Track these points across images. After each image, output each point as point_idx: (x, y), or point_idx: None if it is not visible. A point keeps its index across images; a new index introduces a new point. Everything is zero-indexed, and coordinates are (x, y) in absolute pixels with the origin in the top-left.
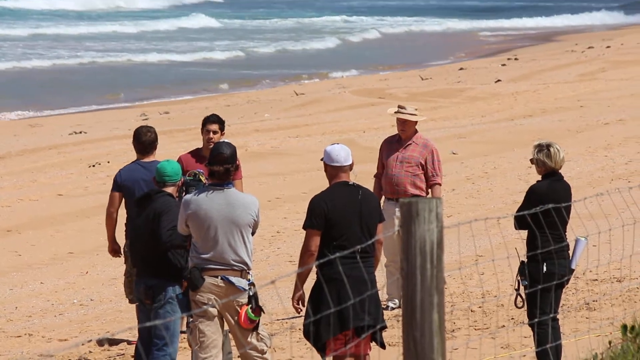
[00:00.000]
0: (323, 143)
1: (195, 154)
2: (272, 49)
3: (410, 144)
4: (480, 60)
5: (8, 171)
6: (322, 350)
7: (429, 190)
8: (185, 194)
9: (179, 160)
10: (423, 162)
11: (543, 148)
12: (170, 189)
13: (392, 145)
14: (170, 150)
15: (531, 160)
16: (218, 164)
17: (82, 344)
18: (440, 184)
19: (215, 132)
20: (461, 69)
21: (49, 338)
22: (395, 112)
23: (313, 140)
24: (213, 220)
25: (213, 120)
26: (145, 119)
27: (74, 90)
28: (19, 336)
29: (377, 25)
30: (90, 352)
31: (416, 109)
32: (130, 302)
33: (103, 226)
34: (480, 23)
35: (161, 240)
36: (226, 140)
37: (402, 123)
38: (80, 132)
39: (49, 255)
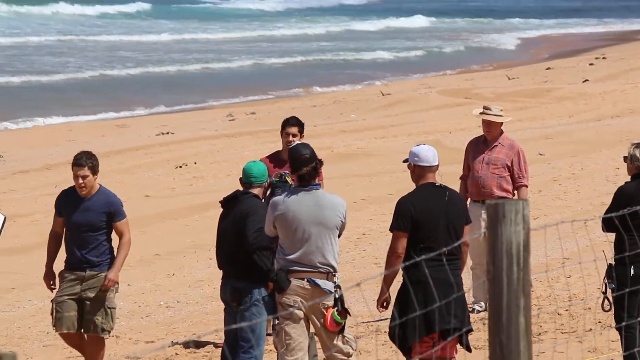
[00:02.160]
0: (409, 144)
1: (275, 157)
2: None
3: (496, 145)
4: (568, 59)
5: None
6: (407, 353)
7: (515, 192)
8: (271, 195)
9: None
10: (509, 164)
11: None
12: (256, 190)
13: (477, 147)
14: (256, 151)
15: (625, 158)
16: (304, 165)
17: (169, 346)
18: (526, 186)
19: (294, 135)
20: (548, 68)
21: (136, 340)
22: (481, 113)
23: (399, 141)
24: (301, 222)
25: (293, 124)
26: (232, 120)
27: (161, 91)
28: (107, 338)
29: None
30: (176, 354)
31: (502, 110)
32: (56, 329)
33: (190, 228)
34: None
35: (247, 242)
36: (301, 142)
37: (487, 124)
38: (167, 133)
39: (136, 257)
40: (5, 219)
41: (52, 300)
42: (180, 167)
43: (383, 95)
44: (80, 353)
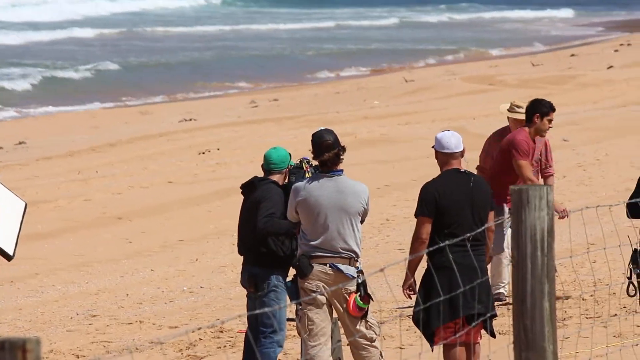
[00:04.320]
0: (433, 130)
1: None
2: None
3: None
4: (592, 46)
5: (119, 158)
6: (432, 338)
7: (543, 180)
8: (288, 182)
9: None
10: (539, 156)
11: None
12: (276, 177)
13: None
14: (280, 138)
15: None
16: (326, 151)
17: (192, 331)
18: (553, 174)
19: (551, 121)
20: (572, 55)
21: (160, 325)
22: (509, 110)
23: (423, 127)
24: (323, 208)
25: (554, 109)
26: (255, 106)
27: (184, 79)
28: (130, 323)
29: None
30: (200, 339)
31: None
32: None
33: (213, 214)
34: None
35: (257, 227)
36: (323, 128)
37: (519, 122)
38: (190, 120)
39: (159, 242)
40: (26, 205)
41: None
42: (203, 153)
43: (406, 81)
44: None
